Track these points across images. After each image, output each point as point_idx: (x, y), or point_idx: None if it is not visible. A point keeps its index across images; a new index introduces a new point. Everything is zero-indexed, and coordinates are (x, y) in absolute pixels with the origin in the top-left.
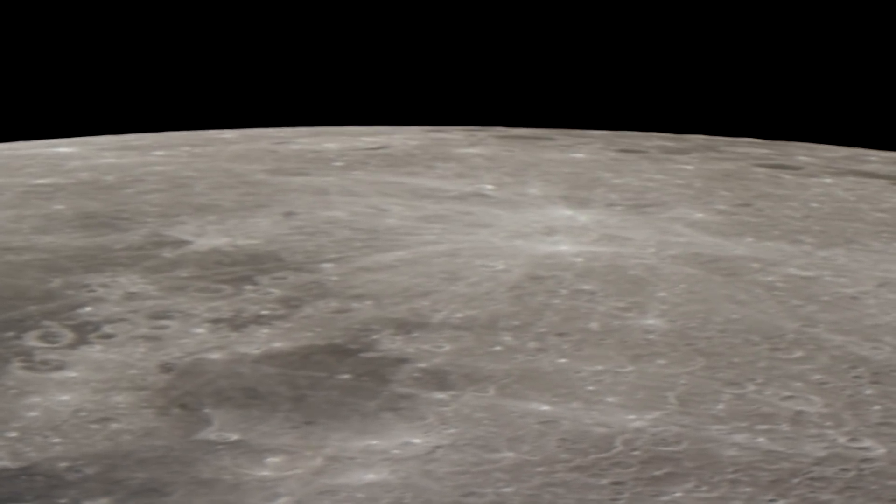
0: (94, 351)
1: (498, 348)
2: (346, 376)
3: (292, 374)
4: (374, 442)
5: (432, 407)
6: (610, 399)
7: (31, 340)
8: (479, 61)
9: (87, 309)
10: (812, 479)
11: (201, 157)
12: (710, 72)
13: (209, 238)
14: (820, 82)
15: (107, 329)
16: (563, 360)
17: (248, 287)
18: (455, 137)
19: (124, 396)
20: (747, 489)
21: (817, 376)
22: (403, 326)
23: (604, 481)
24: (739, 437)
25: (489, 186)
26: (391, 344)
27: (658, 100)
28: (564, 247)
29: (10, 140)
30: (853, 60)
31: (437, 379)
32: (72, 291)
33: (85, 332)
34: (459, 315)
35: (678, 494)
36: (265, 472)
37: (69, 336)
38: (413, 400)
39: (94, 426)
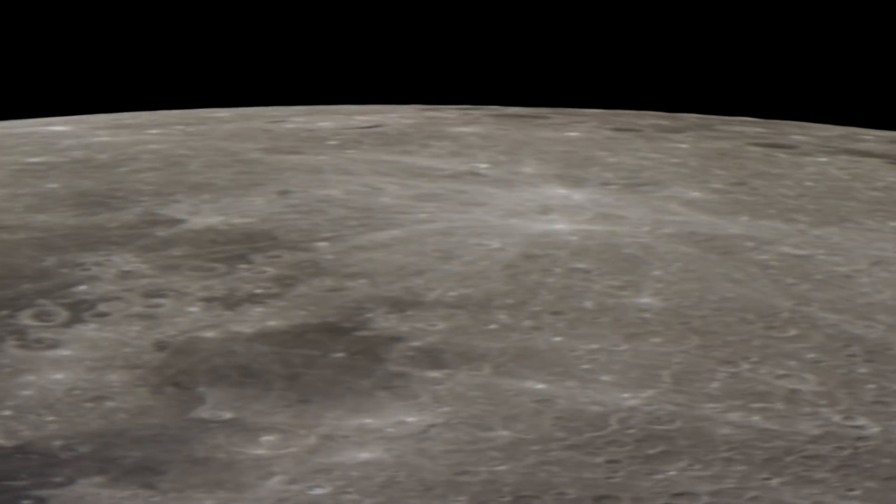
0: (89, 329)
1: (492, 327)
2: (340, 355)
3: (286, 352)
4: (369, 420)
5: (426, 385)
6: (605, 377)
7: (25, 319)
8: (473, 40)
9: (82, 287)
10: (806, 457)
11: (195, 135)
12: (704, 50)
13: (203, 217)
14: (814, 61)
15: (101, 307)
16: (557, 339)
17: (243, 266)
18: (449, 116)
19: (118, 375)
20: (741, 467)
21: (811, 355)
22: (397, 305)
23: (598, 460)
24: (733, 416)
25: (483, 165)
26: (385, 322)
27: (652, 78)
28: (559, 225)
29: (4, 118)
30: (847, 39)
31: (432, 357)
32: (66, 270)
33: (79, 310)
34: (454, 293)
35: (672, 473)
36: (259, 451)
37: (63, 314)
38: (407, 378)
39: (88, 404)
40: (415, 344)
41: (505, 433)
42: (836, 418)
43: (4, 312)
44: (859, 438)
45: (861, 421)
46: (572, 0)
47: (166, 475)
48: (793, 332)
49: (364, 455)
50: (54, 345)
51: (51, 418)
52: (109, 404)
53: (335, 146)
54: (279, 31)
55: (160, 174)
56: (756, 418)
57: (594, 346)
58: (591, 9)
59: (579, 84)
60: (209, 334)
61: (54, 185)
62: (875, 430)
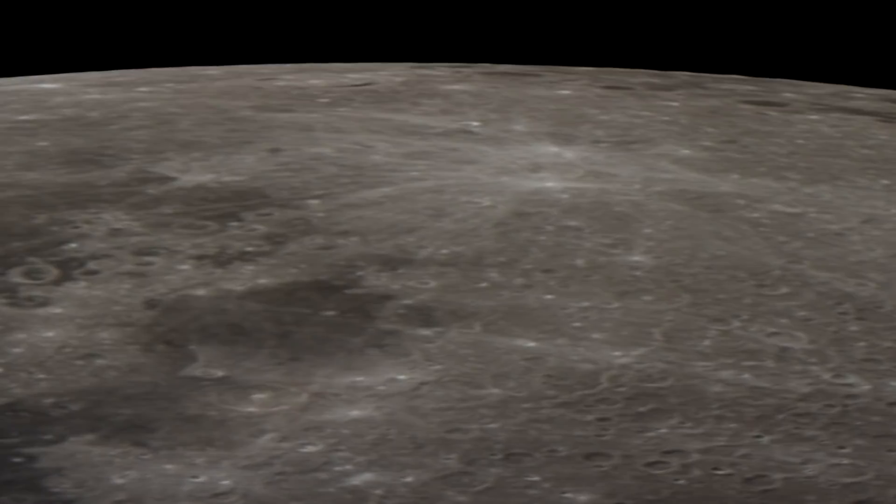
0: (79, 287)
1: (483, 285)
2: (331, 313)
3: (277, 310)
4: (360, 378)
5: (417, 343)
6: (596, 335)
7: (15, 277)
8: None
9: (72, 245)
10: (797, 415)
11: (186, 93)
12: (695, 8)
13: (194, 174)
14: (805, 19)
15: (91, 265)
16: (548, 297)
17: (233, 223)
18: (440, 74)
19: (109, 333)
20: (732, 425)
21: (802, 313)
22: (389, 263)
23: (589, 417)
24: (724, 374)
25: (475, 123)
26: (376, 280)
27: (644, 36)
28: (550, 183)
29: None
30: None
31: (423, 315)
32: (56, 228)
33: (69, 268)
34: (445, 251)
35: (663, 430)
36: (251, 409)
37: (54, 272)
38: (398, 336)
39: (79, 362)
40: (406, 302)
41: (496, 391)
42: (827, 376)
43: None
44: (849, 396)
45: (851, 379)
46: None
47: (157, 433)
48: (784, 289)
49: (355, 413)
50: (45, 302)
51: (41, 376)
52: (100, 362)
53: (326, 104)
54: None
55: (151, 132)
56: (747, 376)
57: (585, 304)
58: None
59: (571, 42)
60: (200, 292)
61: (45, 143)
62: (865, 387)
